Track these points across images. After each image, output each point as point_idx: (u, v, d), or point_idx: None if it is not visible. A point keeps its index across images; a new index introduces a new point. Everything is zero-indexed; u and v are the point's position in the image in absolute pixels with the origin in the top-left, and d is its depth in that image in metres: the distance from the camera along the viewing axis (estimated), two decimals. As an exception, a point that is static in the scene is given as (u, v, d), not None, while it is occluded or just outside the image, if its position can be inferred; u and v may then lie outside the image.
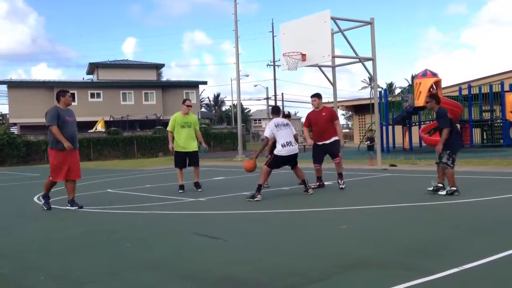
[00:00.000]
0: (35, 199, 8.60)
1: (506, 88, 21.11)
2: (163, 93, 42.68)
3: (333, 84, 14.68)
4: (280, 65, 15.55)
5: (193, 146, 9.75)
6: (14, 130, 38.30)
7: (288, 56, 12.86)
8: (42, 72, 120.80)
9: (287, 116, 10.40)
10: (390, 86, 74.18)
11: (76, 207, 7.79)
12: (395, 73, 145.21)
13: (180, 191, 9.50)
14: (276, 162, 8.37)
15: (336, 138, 9.36)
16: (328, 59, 12.84)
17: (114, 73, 42.84)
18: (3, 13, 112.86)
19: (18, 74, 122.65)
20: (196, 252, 4.60)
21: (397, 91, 56.28)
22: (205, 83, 49.39)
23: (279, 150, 8.27)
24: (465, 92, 21.75)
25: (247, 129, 63.14)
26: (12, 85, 39.80)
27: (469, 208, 6.46)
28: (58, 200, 9.18)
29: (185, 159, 9.73)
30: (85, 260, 4.49)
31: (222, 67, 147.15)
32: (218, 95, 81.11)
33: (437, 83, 19.73)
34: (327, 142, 9.38)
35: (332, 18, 12.52)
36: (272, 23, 56.24)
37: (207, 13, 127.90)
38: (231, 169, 16.27)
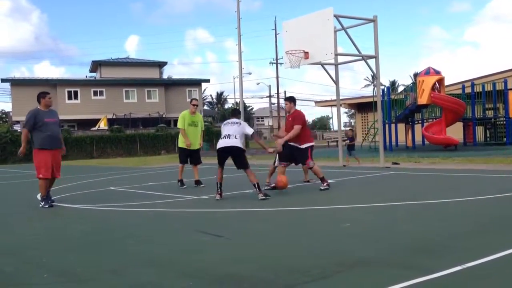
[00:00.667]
0: (38, 196, 8.63)
1: (510, 86, 21.06)
2: (166, 91, 42.70)
3: (336, 82, 14.67)
4: (283, 63, 15.54)
5: (197, 145, 10.35)
6: (17, 128, 38.39)
7: (290, 54, 12.85)
8: (45, 70, 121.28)
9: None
10: (393, 84, 74.04)
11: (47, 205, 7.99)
12: (398, 71, 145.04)
13: (184, 186, 10.00)
14: (217, 156, 8.31)
15: (305, 145, 8.77)
16: (331, 57, 12.82)
17: (117, 71, 42.88)
18: (6, 11, 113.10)
19: (21, 72, 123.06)
20: (199, 250, 4.61)
21: (400, 89, 56.13)
22: (207, 81, 49.30)
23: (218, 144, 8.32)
24: (468, 90, 21.68)
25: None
26: (15, 83, 39.90)
27: (471, 206, 6.45)
28: (61, 198, 9.21)
29: (188, 156, 10.29)
30: (87, 257, 4.50)
31: (224, 65, 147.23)
32: (221, 93, 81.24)
33: (440, 81, 19.68)
34: (293, 146, 8.84)
35: (335, 16, 12.49)
36: (275, 21, 56.24)
37: (210, 10, 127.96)
38: (233, 167, 16.27)
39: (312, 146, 8.99)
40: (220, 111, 75.98)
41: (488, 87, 21.75)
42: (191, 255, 4.43)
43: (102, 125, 36.71)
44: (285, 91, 58.83)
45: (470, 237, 4.68)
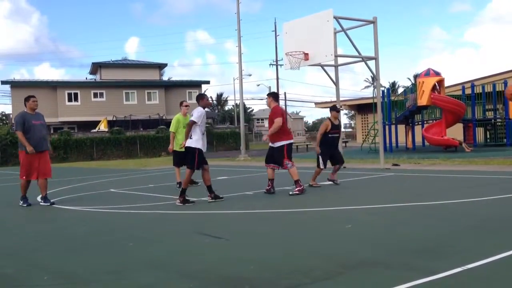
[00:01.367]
0: (39, 198, 8.63)
1: (510, 87, 21.04)
2: (166, 93, 42.71)
3: (336, 84, 14.67)
4: (283, 65, 15.55)
5: None
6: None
7: (290, 55, 12.87)
8: (45, 72, 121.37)
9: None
10: (393, 85, 74.06)
11: (48, 204, 8.35)
12: (398, 72, 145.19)
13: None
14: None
15: (279, 143, 8.51)
16: (331, 58, 12.84)
17: (117, 72, 42.90)
18: (6, 12, 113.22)
19: (21, 74, 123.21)
20: (199, 251, 4.61)
21: (400, 90, 56.15)
22: (207, 82, 49.30)
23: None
24: (468, 91, 21.69)
25: (250, 129, 63.14)
26: (15, 85, 39.89)
27: (472, 208, 6.44)
28: (62, 199, 9.21)
29: (182, 159, 9.74)
30: (88, 259, 4.50)
31: (224, 66, 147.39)
32: (221, 94, 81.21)
33: (440, 82, 19.69)
34: (273, 146, 8.68)
35: (335, 17, 12.51)
36: (275, 22, 56.29)
37: (210, 12, 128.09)
38: (234, 169, 16.27)
39: (288, 144, 8.52)
40: (220, 113, 76.00)
41: (488, 88, 21.75)
42: (191, 256, 4.43)
43: (102, 127, 36.71)
44: (285, 93, 58.95)
45: (471, 238, 4.67)
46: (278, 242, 4.86)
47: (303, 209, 6.94)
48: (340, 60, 14.72)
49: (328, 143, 9.63)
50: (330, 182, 9.90)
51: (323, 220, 6.02)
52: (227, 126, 46.74)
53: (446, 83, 21.27)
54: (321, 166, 9.57)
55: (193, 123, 7.69)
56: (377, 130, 19.95)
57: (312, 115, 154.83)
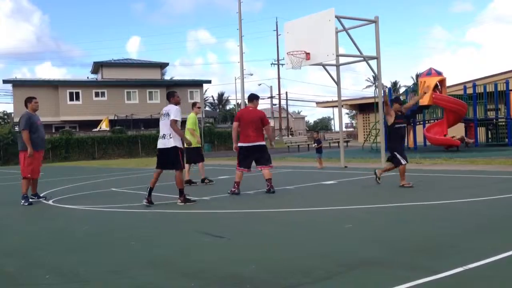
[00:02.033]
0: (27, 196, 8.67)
1: (511, 87, 21.00)
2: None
3: (337, 83, 14.67)
4: (284, 64, 15.53)
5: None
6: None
7: (292, 55, 12.86)
8: (47, 71, 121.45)
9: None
10: (395, 84, 74.02)
11: (42, 199, 8.90)
12: (400, 72, 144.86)
13: (196, 184, 10.69)
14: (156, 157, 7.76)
15: (263, 142, 8.86)
16: (332, 58, 12.83)
17: (118, 72, 42.95)
18: (8, 11, 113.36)
19: (22, 73, 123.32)
20: (200, 250, 4.61)
21: (402, 90, 56.15)
22: (209, 82, 49.37)
23: None
24: (470, 91, 21.64)
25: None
26: (17, 84, 39.95)
27: (473, 207, 6.44)
28: (62, 198, 9.22)
29: (195, 156, 10.95)
30: (89, 258, 4.51)
31: (226, 65, 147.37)
32: (222, 94, 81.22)
33: (442, 81, 19.65)
34: (257, 145, 8.78)
35: (336, 17, 12.50)
36: (276, 22, 56.28)
37: (211, 11, 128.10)
38: (234, 168, 16.26)
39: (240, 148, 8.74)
40: (221, 112, 76.01)
41: (490, 88, 21.70)
42: (192, 256, 4.43)
43: (104, 126, 36.77)
44: (286, 92, 58.96)
45: (472, 238, 4.67)
46: (278, 242, 4.86)
47: (303, 208, 6.93)
48: (342, 60, 14.72)
49: (398, 134, 9.00)
50: (333, 182, 9.88)
51: (324, 220, 6.02)
52: (229, 126, 46.74)
53: (448, 83, 21.22)
54: (403, 162, 8.80)
55: (175, 121, 7.52)
56: (378, 130, 19.93)
57: (313, 114, 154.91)
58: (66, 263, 4.37)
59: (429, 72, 19.62)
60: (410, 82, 65.52)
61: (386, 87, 29.68)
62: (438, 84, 19.49)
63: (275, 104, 60.88)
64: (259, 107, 9.36)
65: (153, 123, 40.17)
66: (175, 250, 4.71)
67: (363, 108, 39.35)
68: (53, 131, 37.83)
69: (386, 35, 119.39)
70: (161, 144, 7.69)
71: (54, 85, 39.88)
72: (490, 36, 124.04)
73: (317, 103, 48.72)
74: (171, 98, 7.89)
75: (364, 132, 37.46)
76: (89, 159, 31.34)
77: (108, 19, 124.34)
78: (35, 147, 8.53)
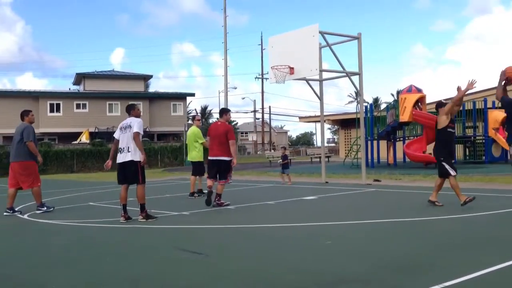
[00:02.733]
0: (17, 208, 8.47)
1: (489, 105, 21.43)
2: (150, 105, 42.50)
3: (320, 98, 14.77)
4: (268, 78, 15.61)
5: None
6: (-3, 140, 37.70)
7: (276, 69, 12.93)
8: (28, 82, 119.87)
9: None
10: (376, 101, 74.94)
11: (17, 213, 8.74)
12: (381, 88, 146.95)
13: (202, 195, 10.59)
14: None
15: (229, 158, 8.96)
16: (316, 73, 12.93)
17: (101, 83, 42.60)
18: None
19: (3, 83, 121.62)
20: (178, 267, 4.53)
21: (383, 106, 56.85)
22: (192, 95, 49.27)
23: None
24: (449, 108, 22.01)
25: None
26: (-3, 94, 39.28)
27: (451, 225, 6.49)
28: (36, 213, 9.01)
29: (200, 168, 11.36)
30: (64, 273, 4.39)
31: (210, 79, 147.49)
32: (206, 107, 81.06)
33: (422, 99, 19.97)
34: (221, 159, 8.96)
35: (320, 33, 12.63)
36: (261, 36, 56.70)
37: (197, 24, 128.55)
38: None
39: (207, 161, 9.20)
40: (204, 125, 75.83)
41: (468, 106, 22.12)
42: (170, 272, 4.34)
43: (84, 138, 36.28)
44: (269, 106, 59.11)
45: (450, 255, 4.68)
46: (257, 258, 4.80)
47: (283, 224, 6.90)
48: (325, 75, 14.84)
49: (449, 139, 8.08)
50: (314, 197, 9.87)
51: (303, 236, 5.99)
52: (211, 139, 46.57)
53: (428, 100, 21.58)
54: (452, 172, 7.87)
55: (138, 134, 7.36)
56: (359, 145, 20.09)
57: (296, 129, 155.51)
58: (39, 278, 4.25)
59: (410, 89, 19.93)
60: (391, 99, 66.47)
61: (368, 102, 30.01)
62: (419, 101, 19.79)
63: (258, 118, 61.06)
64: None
65: (135, 135, 39.84)
66: (151, 266, 4.61)
67: (345, 123, 39.68)
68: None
69: (369, 52, 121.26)
70: (120, 158, 7.50)
71: (34, 96, 39.33)
72: (469, 54, 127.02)
73: (300, 117, 49.03)
74: (131, 111, 7.75)
75: (345, 147, 37.72)
76: (67, 172, 30.82)
77: (92, 30, 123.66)
78: (34, 158, 8.92)
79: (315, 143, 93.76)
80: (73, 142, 35.08)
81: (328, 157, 30.70)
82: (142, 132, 7.49)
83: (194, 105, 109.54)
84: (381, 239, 5.61)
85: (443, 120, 7.95)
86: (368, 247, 5.18)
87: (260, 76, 50.77)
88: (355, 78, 13.70)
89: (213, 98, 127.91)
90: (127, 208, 7.51)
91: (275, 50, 13.45)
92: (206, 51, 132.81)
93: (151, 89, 58.54)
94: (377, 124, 22.38)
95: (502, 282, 3.74)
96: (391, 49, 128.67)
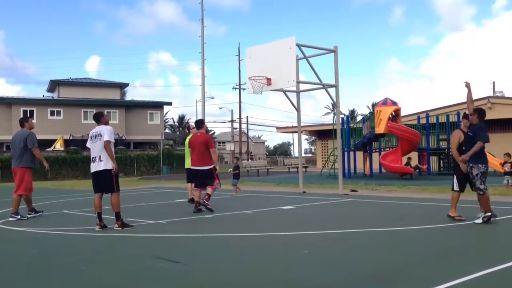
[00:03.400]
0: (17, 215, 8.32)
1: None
2: (126, 113, 42.07)
3: (297, 109, 14.91)
4: (245, 89, 15.67)
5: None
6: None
7: (253, 80, 13.00)
8: (0, 88, 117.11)
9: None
10: (352, 112, 75.93)
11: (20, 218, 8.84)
12: (357, 100, 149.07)
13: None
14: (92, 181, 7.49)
15: (209, 167, 9.30)
16: (293, 84, 13.06)
17: (76, 91, 42.00)
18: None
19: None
20: (155, 276, 4.49)
21: (359, 118, 57.63)
22: (169, 103, 49.11)
23: None
24: (423, 121, 22.50)
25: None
26: (-32, 100, 38.32)
27: (426, 235, 6.60)
28: (10, 221, 8.80)
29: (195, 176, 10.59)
30: (37, 283, 4.30)
31: (187, 88, 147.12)
32: (183, 116, 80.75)
33: (397, 111, 20.34)
34: (201, 169, 9.30)
35: (297, 45, 12.78)
36: (239, 47, 56.91)
37: (174, 34, 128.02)
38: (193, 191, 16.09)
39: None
40: (181, 135, 75.45)
41: (442, 119, 22.63)
42: (145, 281, 4.30)
43: (58, 146, 35.62)
44: (247, 116, 59.23)
45: (423, 265, 4.77)
46: (235, 267, 4.80)
47: (261, 233, 6.91)
48: (302, 86, 15.00)
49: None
50: (291, 207, 9.91)
51: (281, 245, 6.01)
52: (188, 148, 46.35)
53: (403, 113, 22.00)
54: (455, 188, 7.71)
55: (109, 143, 7.32)
56: (336, 156, 20.30)
57: (274, 139, 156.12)
58: (10, 289, 4.14)
59: (385, 102, 20.29)
60: (367, 111, 67.49)
61: (344, 114, 30.42)
62: (393, 114, 20.16)
63: (235, 128, 61.07)
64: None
65: (111, 144, 39.35)
66: (127, 275, 4.56)
67: (321, 134, 40.05)
68: (4, 150, 36.33)
69: (345, 65, 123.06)
70: (93, 167, 7.42)
71: (7, 102, 38.50)
72: (442, 69, 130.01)
73: (277, 128, 49.23)
74: (101, 118, 7.67)
75: (322, 158, 38.03)
76: (41, 180, 30.16)
77: (67, 37, 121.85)
78: (33, 165, 9.23)
79: (292, 153, 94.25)
80: (47, 150, 34.40)
81: (305, 167, 30.88)
82: (113, 140, 7.45)
83: (171, 114, 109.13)
84: (358, 249, 5.68)
85: (455, 140, 7.79)
86: (345, 257, 5.23)
87: (238, 87, 50.88)
88: (332, 90, 13.89)
89: (191, 107, 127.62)
90: (102, 216, 7.41)
91: (252, 61, 13.54)
92: (183, 61, 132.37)
93: (128, 98, 58.05)
94: (354, 135, 22.67)
95: (475, 290, 3.83)
96: (366, 63, 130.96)
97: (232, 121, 58.14)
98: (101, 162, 7.32)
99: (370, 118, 21.64)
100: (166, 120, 72.37)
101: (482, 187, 7.21)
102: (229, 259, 5.19)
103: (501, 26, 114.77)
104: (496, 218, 7.32)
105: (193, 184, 9.89)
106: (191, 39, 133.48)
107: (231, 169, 14.84)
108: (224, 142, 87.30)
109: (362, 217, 8.52)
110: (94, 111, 46.02)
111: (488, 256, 5.06)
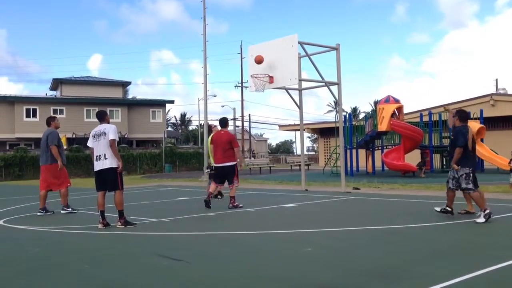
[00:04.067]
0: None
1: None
2: (129, 111, 42.12)
3: (300, 107, 14.89)
4: (247, 87, 15.65)
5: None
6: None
7: (255, 77, 12.98)
8: (3, 87, 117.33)
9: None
10: (355, 110, 75.85)
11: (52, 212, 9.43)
12: (360, 98, 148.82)
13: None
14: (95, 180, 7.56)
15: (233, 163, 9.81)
16: (295, 82, 13.03)
17: (78, 89, 42.05)
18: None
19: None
20: (157, 274, 4.50)
21: (361, 115, 57.58)
22: (172, 102, 48.96)
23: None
24: (426, 118, 22.45)
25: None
26: (-29, 98, 38.41)
27: (429, 232, 6.60)
28: (13, 219, 8.85)
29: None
30: (39, 281, 4.31)
31: (189, 86, 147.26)
32: (185, 114, 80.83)
33: (399, 109, 20.30)
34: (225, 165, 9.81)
35: (300, 43, 12.76)
36: (241, 45, 56.88)
37: (175, 32, 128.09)
38: (196, 189, 16.10)
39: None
40: (183, 133, 75.51)
41: (445, 116, 22.54)
42: (148, 280, 4.31)
43: (61, 144, 35.68)
44: (249, 114, 59.20)
45: (427, 262, 4.77)
46: (236, 265, 4.81)
47: (263, 231, 6.92)
48: (304, 84, 14.97)
49: (471, 156, 7.66)
50: (294, 205, 9.92)
51: (284, 243, 6.02)
52: (191, 146, 46.40)
53: (405, 110, 21.94)
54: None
55: (115, 141, 7.38)
56: (338, 154, 20.28)
57: (276, 137, 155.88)
58: (13, 287, 4.16)
59: (387, 99, 20.24)
60: (369, 108, 67.42)
61: (346, 112, 30.40)
62: (396, 111, 20.12)
63: (238, 126, 61.11)
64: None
65: (113, 142, 39.37)
66: (130, 273, 4.57)
67: (324, 132, 40.02)
68: (7, 148, 36.43)
69: (347, 62, 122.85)
70: (98, 165, 7.45)
71: (10, 101, 38.58)
72: (445, 66, 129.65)
73: (280, 126, 49.29)
74: (104, 116, 7.78)
75: (325, 156, 38.01)
76: (44, 178, 30.24)
77: (69, 35, 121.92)
78: (64, 162, 9.55)
79: (294, 151, 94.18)
80: (49, 148, 34.45)
81: (307, 165, 30.88)
82: (117, 139, 7.52)
83: (173, 112, 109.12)
84: (360, 246, 5.68)
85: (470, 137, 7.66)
86: (347, 254, 5.24)
87: (240, 85, 50.88)
88: (334, 88, 13.87)
89: (193, 105, 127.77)
90: (105, 214, 7.44)
91: (254, 59, 13.52)
92: (185, 59, 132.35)
93: (130, 96, 58.11)
94: (356, 133, 22.64)
95: (477, 288, 3.83)
96: (369, 60, 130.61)
97: (234, 119, 58.13)
98: (106, 160, 7.36)
99: (372, 115, 21.60)
100: (169, 118, 72.43)
101: (469, 186, 7.43)
102: (231, 257, 5.20)
103: (504, 23, 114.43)
104: (497, 216, 7.31)
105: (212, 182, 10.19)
106: (193, 37, 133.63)
107: (208, 170, 14.01)
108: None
109: (364, 215, 8.52)
110: (97, 109, 46.12)
111: (488, 254, 5.05)
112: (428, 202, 10.22)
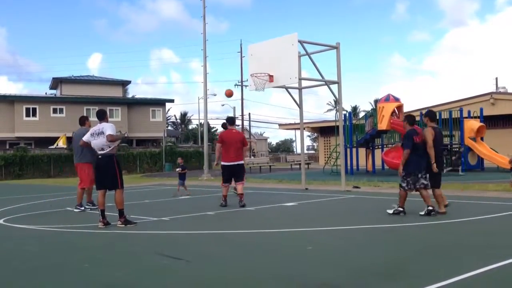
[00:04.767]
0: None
1: (465, 114, 21.90)
2: (128, 110, 42.11)
3: (300, 106, 14.88)
4: (247, 85, 15.65)
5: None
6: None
7: (255, 76, 12.97)
8: (2, 86, 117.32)
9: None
10: (355, 109, 75.80)
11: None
12: (360, 97, 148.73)
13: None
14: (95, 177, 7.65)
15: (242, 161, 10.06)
16: (295, 81, 13.02)
17: (78, 88, 42.03)
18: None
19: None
20: (158, 273, 4.50)
21: (361, 114, 57.58)
22: (172, 101, 48.91)
23: None
24: (426, 117, 22.42)
25: (213, 149, 62.87)
26: (-30, 97, 38.39)
27: (427, 231, 6.60)
28: (14, 218, 8.84)
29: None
30: (38, 281, 4.31)
31: (189, 85, 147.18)
32: (185, 113, 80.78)
33: (399, 107, 20.29)
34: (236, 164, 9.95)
35: (300, 41, 12.75)
36: (241, 44, 56.72)
37: (175, 31, 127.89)
38: (196, 188, 16.09)
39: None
40: (183, 132, 75.50)
41: (445, 115, 22.56)
42: (150, 279, 4.31)
43: (61, 143, 35.66)
44: (249, 113, 59.15)
45: (425, 261, 4.76)
46: (237, 264, 4.81)
47: (264, 230, 6.92)
48: (304, 83, 14.96)
49: (438, 155, 8.07)
50: (294, 204, 9.92)
51: (285, 241, 6.02)
52: (191, 146, 46.41)
53: (405, 109, 21.91)
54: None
55: (112, 135, 7.42)
56: (338, 153, 20.28)
57: (276, 136, 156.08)
58: (13, 287, 4.16)
59: (387, 98, 20.23)
60: (369, 107, 67.37)
61: (346, 111, 30.40)
62: (396, 110, 20.11)
63: (238, 125, 61.14)
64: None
65: (113, 141, 39.33)
66: (130, 273, 4.57)
67: (324, 131, 40.02)
68: (7, 147, 36.41)
69: (347, 61, 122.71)
70: (98, 163, 7.54)
71: (10, 100, 38.56)
72: (445, 65, 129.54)
73: (280, 125, 49.24)
74: (104, 116, 7.93)
75: (325, 154, 38.00)
76: (44, 177, 30.28)
77: (69, 34, 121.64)
78: (89, 160, 9.32)
79: (295, 150, 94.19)
80: (49, 147, 34.48)
81: (308, 164, 30.90)
82: (114, 134, 7.57)
83: (173, 111, 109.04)
84: (360, 245, 5.68)
85: (431, 137, 8.03)
86: (348, 253, 5.24)
87: (240, 83, 50.83)
88: (334, 87, 13.86)
89: (193, 104, 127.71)
90: (105, 213, 7.44)
91: (254, 58, 13.51)
92: (185, 58, 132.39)
93: (130, 95, 58.07)
94: (356, 132, 22.63)
95: None
96: (369, 59, 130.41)
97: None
98: (103, 151, 7.44)
99: (372, 114, 21.59)
100: (169, 117, 72.42)
101: (403, 184, 8.03)
102: (232, 256, 5.20)
103: (505, 21, 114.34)
104: (496, 215, 7.32)
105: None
106: (193, 36, 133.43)
107: (179, 169, 13.47)
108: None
109: (364, 214, 8.52)
110: (97, 108, 46.08)
111: (486, 252, 5.05)
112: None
